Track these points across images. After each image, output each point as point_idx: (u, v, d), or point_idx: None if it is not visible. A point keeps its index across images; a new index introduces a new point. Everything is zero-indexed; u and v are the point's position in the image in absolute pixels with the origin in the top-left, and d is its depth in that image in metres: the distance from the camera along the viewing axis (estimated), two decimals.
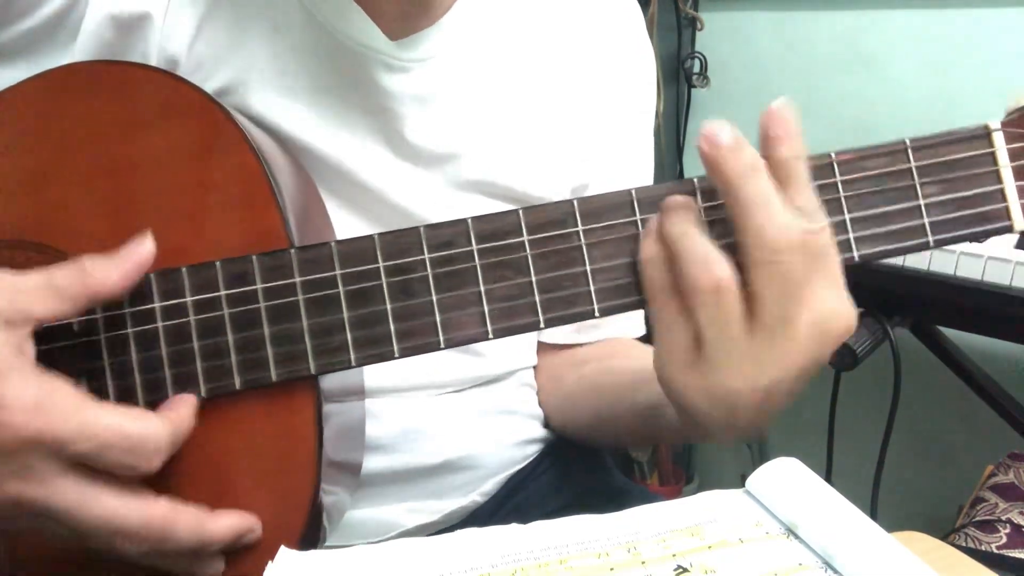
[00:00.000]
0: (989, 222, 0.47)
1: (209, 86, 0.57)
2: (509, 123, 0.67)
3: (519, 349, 0.74)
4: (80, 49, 0.55)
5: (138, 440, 0.42)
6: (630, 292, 0.47)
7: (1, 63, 0.56)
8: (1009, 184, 0.47)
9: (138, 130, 0.49)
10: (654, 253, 0.45)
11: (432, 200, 0.64)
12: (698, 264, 0.43)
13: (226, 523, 0.45)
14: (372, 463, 0.63)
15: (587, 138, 0.72)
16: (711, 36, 1.66)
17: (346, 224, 0.62)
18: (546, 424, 0.77)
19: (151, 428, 0.43)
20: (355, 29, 0.59)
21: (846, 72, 1.50)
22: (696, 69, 1.67)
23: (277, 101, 0.59)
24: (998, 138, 0.47)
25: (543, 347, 0.77)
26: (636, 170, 0.77)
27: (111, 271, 0.44)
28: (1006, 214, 0.47)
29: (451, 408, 0.68)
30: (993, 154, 0.47)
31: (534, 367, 0.77)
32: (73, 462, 0.41)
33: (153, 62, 0.57)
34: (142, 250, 0.45)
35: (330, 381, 0.48)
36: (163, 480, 0.45)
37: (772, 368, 0.44)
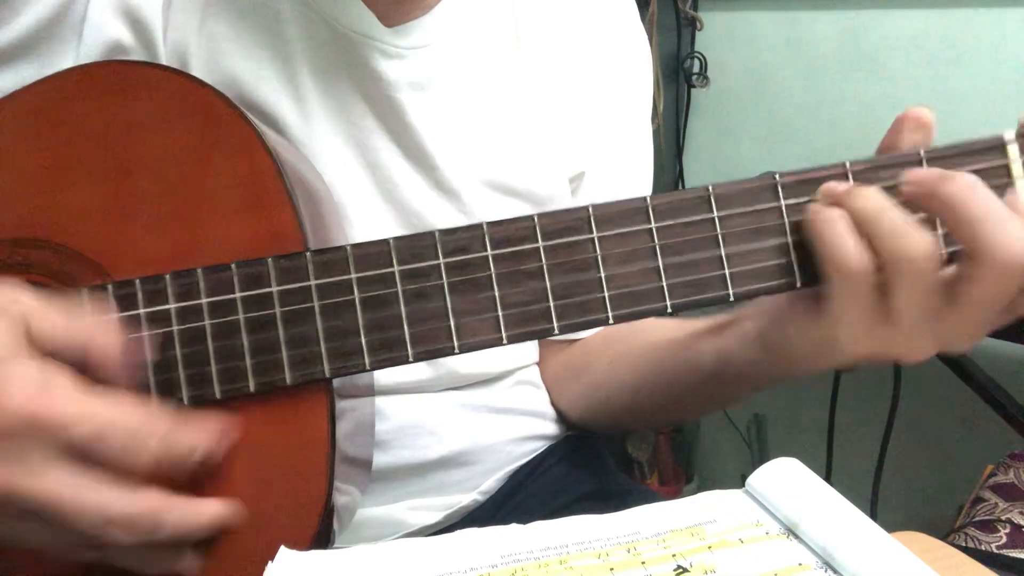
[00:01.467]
0: None
1: (216, 80, 0.58)
2: (506, 111, 0.68)
3: (518, 349, 0.74)
4: (87, 44, 0.55)
5: (136, 427, 0.42)
6: (644, 299, 0.47)
7: (6, 65, 0.56)
8: None
9: (152, 130, 0.49)
10: (843, 228, 0.45)
11: (430, 193, 0.65)
12: (901, 235, 0.43)
13: (211, 509, 0.45)
14: (373, 459, 0.63)
15: (583, 124, 0.72)
16: (711, 36, 1.66)
17: (347, 217, 0.62)
18: (562, 420, 0.78)
19: (149, 417, 0.42)
20: (351, 17, 0.60)
21: (846, 72, 1.50)
22: (696, 69, 1.67)
23: (281, 91, 0.59)
24: (1012, 150, 0.47)
25: (553, 344, 0.77)
26: (634, 157, 0.77)
27: (114, 336, 0.44)
28: None
29: (449, 405, 0.69)
30: (1007, 166, 0.47)
31: (537, 364, 0.77)
32: (68, 450, 0.41)
33: (161, 56, 0.57)
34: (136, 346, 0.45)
35: (343, 380, 0.48)
36: (175, 482, 0.45)
37: (959, 328, 0.45)
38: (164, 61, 0.58)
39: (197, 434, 0.44)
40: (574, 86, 0.71)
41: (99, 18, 0.56)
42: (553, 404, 0.77)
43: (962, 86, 1.37)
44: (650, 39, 0.78)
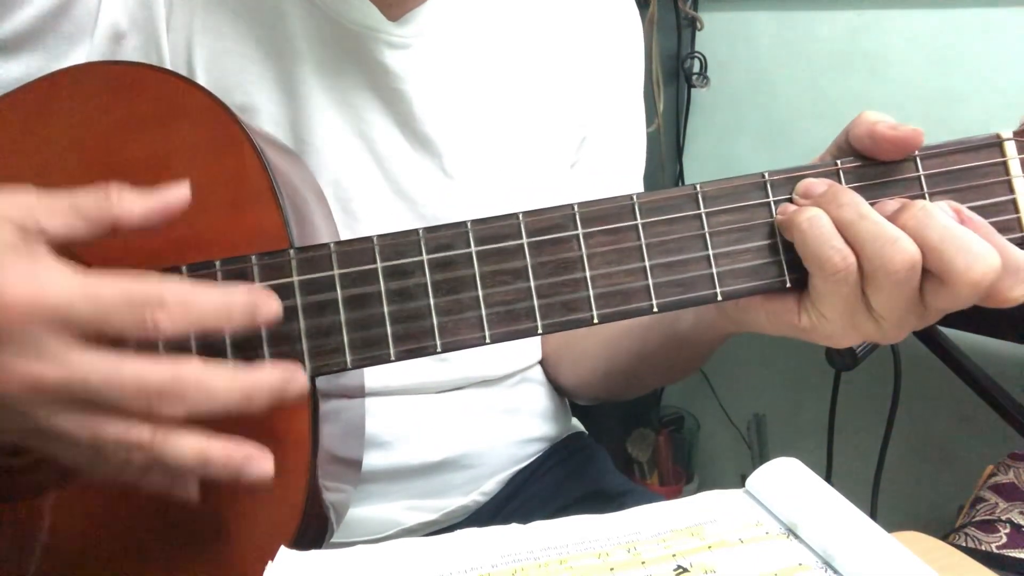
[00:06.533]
0: (1002, 233, 0.46)
1: (220, 81, 0.58)
2: (509, 94, 0.68)
3: (520, 350, 0.74)
4: (95, 43, 0.56)
5: (141, 295, 0.39)
6: (629, 298, 0.46)
7: (9, 56, 0.56)
8: (1022, 194, 0.47)
9: (144, 130, 0.49)
10: (828, 229, 0.44)
11: (437, 179, 0.65)
12: (883, 243, 0.42)
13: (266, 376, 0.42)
14: (372, 460, 0.63)
15: (582, 107, 0.73)
16: (711, 36, 1.66)
17: (352, 211, 0.62)
18: (563, 412, 0.79)
19: (152, 282, 0.40)
20: (354, 10, 0.60)
21: (846, 72, 1.50)
22: (696, 69, 1.67)
23: (280, 88, 0.59)
24: (1010, 147, 0.47)
25: None
26: (630, 141, 0.79)
27: (135, 204, 0.42)
28: (1018, 225, 0.47)
29: (451, 407, 0.69)
30: (1005, 164, 0.47)
31: (539, 363, 0.78)
32: (84, 334, 0.39)
33: (165, 53, 0.58)
34: (172, 195, 0.43)
35: (329, 380, 0.48)
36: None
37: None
38: (167, 58, 0.58)
39: (217, 298, 0.41)
40: (574, 64, 0.72)
41: (108, 16, 0.56)
42: (553, 381, 0.78)
43: (962, 86, 1.37)
44: (650, 39, 0.80)
